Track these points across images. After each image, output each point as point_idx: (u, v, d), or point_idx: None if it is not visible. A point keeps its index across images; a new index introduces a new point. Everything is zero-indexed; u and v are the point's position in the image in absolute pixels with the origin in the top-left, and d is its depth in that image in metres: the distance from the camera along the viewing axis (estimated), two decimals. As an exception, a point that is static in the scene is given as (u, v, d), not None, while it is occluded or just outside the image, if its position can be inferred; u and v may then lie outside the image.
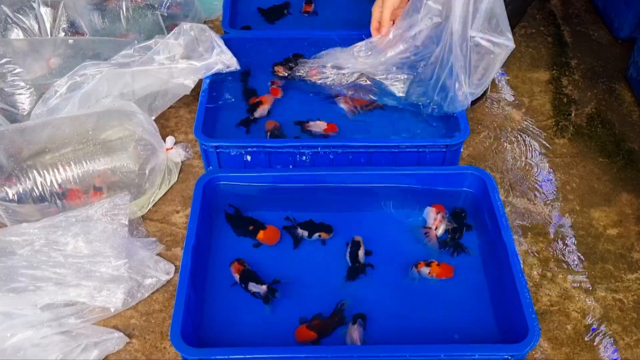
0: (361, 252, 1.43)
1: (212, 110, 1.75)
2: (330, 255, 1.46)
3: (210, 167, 1.66)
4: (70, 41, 1.90)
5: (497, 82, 2.13)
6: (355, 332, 1.28)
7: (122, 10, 2.08)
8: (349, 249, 1.45)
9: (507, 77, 2.16)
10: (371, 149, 1.59)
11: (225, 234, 1.52)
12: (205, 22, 2.37)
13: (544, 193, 1.76)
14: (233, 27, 1.98)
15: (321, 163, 1.61)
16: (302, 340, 1.29)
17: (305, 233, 1.48)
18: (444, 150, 1.59)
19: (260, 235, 1.48)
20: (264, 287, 1.36)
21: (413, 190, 1.55)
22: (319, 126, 1.72)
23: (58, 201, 1.56)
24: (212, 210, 1.52)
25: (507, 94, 2.09)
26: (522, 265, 1.56)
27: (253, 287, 1.37)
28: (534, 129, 1.97)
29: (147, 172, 1.64)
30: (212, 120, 1.75)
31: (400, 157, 1.60)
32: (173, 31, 1.81)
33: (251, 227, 1.49)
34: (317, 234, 1.48)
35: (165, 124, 1.97)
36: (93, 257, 1.46)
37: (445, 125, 1.73)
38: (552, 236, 1.65)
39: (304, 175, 1.53)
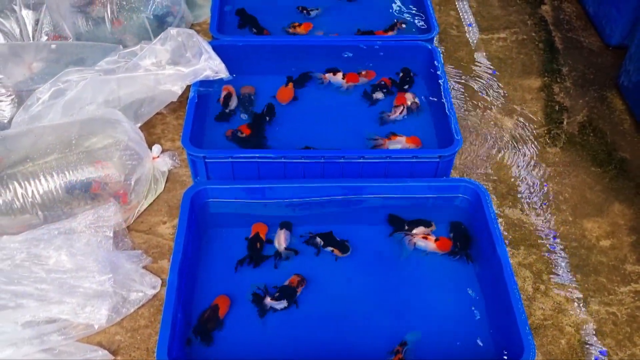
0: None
1: (200, 118, 1.71)
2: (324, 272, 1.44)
3: (198, 178, 1.62)
4: (53, 46, 1.84)
5: (489, 88, 2.11)
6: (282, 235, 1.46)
7: (107, 14, 2.03)
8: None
9: (499, 84, 2.14)
10: (363, 159, 1.55)
11: (214, 247, 1.48)
12: (192, 26, 2.32)
13: (536, 203, 1.75)
14: (221, 33, 1.93)
15: (312, 173, 1.58)
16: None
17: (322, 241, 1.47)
18: (437, 160, 1.57)
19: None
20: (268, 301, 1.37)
21: (405, 202, 1.52)
22: None
23: (39, 212, 1.51)
24: (200, 223, 1.47)
25: (499, 101, 2.07)
26: (515, 278, 1.55)
27: (271, 302, 1.37)
28: (526, 137, 1.95)
29: (132, 182, 1.59)
30: (200, 128, 1.71)
31: (393, 167, 1.57)
32: (159, 37, 1.76)
33: (258, 245, 1.47)
34: (330, 248, 1.46)
35: (151, 131, 1.92)
36: (76, 271, 1.41)
37: (438, 135, 1.70)
38: (545, 248, 1.63)
39: (293, 187, 1.49)
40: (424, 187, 1.51)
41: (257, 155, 1.55)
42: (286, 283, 1.41)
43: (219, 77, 1.76)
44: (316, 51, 1.90)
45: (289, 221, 1.50)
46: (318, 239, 1.46)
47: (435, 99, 1.78)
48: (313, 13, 2.13)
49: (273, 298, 1.36)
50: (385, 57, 1.91)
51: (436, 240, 1.44)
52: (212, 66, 1.74)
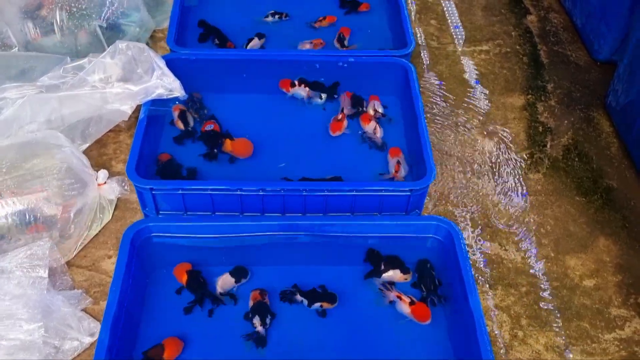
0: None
1: (151, 142, 1.56)
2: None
3: (147, 209, 1.47)
4: (-7, 56, 1.68)
5: (470, 106, 1.97)
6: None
7: (56, 20, 1.86)
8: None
9: (480, 102, 2.00)
10: (327, 192, 1.42)
11: (160, 291, 1.33)
12: (154, 32, 2.16)
13: (516, 237, 1.62)
14: (181, 45, 1.77)
15: (271, 207, 1.44)
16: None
17: (305, 301, 1.32)
18: (408, 194, 1.43)
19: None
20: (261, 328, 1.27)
21: (371, 242, 1.39)
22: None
23: (-36, 251, 1.36)
24: (143, 265, 1.33)
25: (480, 120, 1.94)
26: (491, 323, 1.42)
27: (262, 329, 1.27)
28: (507, 161, 1.82)
29: (72, 215, 1.44)
30: (150, 153, 1.56)
31: (359, 200, 1.44)
32: (107, 50, 1.61)
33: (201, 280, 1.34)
34: (318, 304, 1.31)
35: (102, 150, 1.77)
36: (2, 320, 1.26)
37: (411, 165, 1.56)
38: (524, 288, 1.51)
39: (250, 225, 1.35)
40: (391, 225, 1.37)
41: (210, 187, 1.40)
42: (251, 303, 1.30)
43: (173, 95, 1.61)
44: (283, 66, 1.75)
45: (246, 269, 1.36)
46: (299, 297, 1.32)
47: (409, 124, 1.64)
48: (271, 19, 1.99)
49: (261, 324, 1.26)
50: (356, 74, 1.76)
51: (411, 304, 1.29)
52: (165, 84, 1.58)
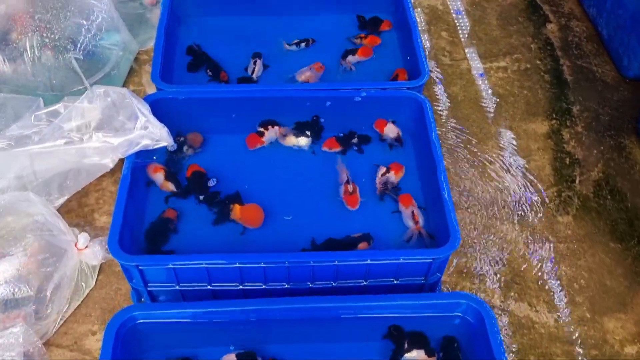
0: None
1: (137, 202, 1.37)
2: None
3: (134, 281, 1.30)
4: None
5: (489, 135, 1.79)
6: None
7: (27, 51, 1.66)
8: None
9: (500, 129, 1.82)
10: (338, 262, 1.24)
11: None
12: (139, 55, 1.97)
13: (548, 294, 1.46)
14: (167, 82, 1.57)
15: (275, 277, 1.27)
16: None
17: None
18: (430, 261, 1.26)
19: None
20: None
21: (388, 321, 1.22)
22: None
23: None
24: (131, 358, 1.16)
25: (501, 152, 1.76)
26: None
27: None
28: (532, 202, 1.65)
29: (48, 293, 1.27)
30: (138, 216, 1.38)
31: (374, 269, 1.27)
32: (84, 95, 1.41)
33: None
34: None
35: (83, 201, 1.59)
36: None
37: (430, 223, 1.39)
38: (559, 359, 1.35)
39: (249, 310, 1.18)
40: (413, 305, 1.21)
41: (205, 262, 1.23)
42: None
43: (160, 145, 1.42)
44: (287, 103, 1.55)
45: (255, 355, 1.20)
46: None
47: (425, 171, 1.46)
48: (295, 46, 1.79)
49: None
50: (363, 109, 1.57)
51: None
52: (150, 134, 1.39)
